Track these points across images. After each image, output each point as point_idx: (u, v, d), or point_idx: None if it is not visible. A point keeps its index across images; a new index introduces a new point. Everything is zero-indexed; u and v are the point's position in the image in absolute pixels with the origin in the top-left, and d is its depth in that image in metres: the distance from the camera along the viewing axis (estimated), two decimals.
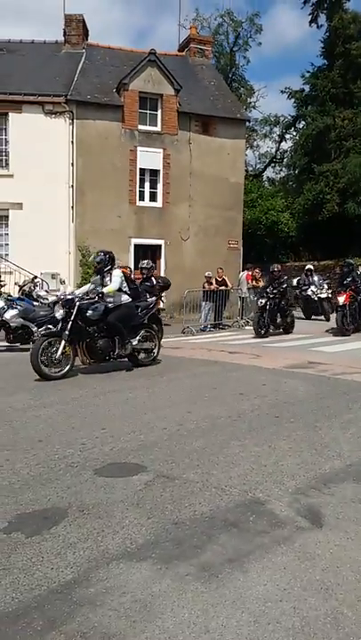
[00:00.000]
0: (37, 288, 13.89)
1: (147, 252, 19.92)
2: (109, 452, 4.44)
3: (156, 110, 19.96)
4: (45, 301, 12.57)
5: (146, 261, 12.93)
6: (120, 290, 8.51)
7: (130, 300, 8.70)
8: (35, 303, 12.09)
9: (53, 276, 17.77)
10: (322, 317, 17.00)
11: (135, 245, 19.56)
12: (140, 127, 19.63)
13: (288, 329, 14.09)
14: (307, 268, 18.87)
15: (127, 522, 3.20)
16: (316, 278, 17.98)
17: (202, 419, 5.49)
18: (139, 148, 19.54)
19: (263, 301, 13.42)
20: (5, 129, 18.92)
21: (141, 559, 2.80)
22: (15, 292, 13.45)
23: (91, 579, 2.63)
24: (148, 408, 5.95)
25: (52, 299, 13.02)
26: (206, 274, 17.20)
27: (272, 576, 2.66)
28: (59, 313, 7.87)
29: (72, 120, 18.90)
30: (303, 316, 17.60)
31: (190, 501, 3.49)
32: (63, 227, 18.87)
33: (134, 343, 8.57)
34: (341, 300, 13.06)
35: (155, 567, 2.72)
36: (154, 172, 19.97)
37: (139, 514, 3.31)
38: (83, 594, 2.51)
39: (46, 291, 14.79)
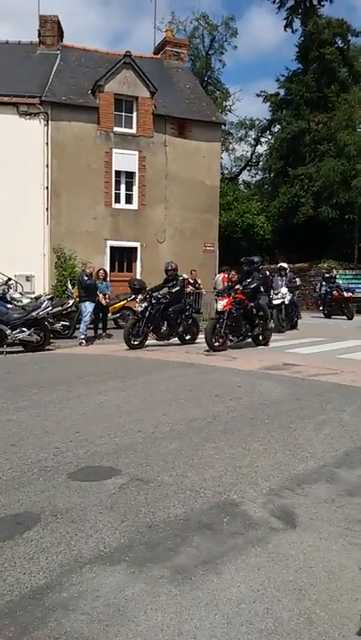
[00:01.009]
0: (11, 290, 13.75)
1: (123, 255, 19.87)
2: (83, 456, 4.41)
3: (132, 112, 19.93)
4: (19, 304, 12.45)
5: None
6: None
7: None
8: (8, 305, 11.96)
9: (28, 279, 17.60)
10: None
11: (111, 247, 19.47)
12: (116, 129, 19.57)
13: (259, 339, 11.96)
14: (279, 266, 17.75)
15: (101, 525, 3.18)
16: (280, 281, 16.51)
17: (177, 421, 5.49)
18: (114, 150, 19.47)
19: (221, 304, 11.16)
20: None
21: (115, 563, 2.78)
22: None
23: (63, 583, 2.60)
24: (123, 411, 5.93)
25: (26, 301, 12.91)
26: (182, 276, 17.19)
27: (246, 577, 2.67)
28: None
29: (47, 121, 18.75)
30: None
31: (165, 504, 3.49)
32: (38, 228, 18.69)
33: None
34: (221, 305, 11.13)
35: (128, 570, 2.71)
36: (129, 175, 19.92)
37: (112, 517, 3.29)
38: (55, 599, 2.48)
39: (20, 293, 14.65)
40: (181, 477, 3.95)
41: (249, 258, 12.30)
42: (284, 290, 15.55)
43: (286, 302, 15.39)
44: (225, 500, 3.58)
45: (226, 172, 37.62)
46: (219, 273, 19.28)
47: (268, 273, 13.93)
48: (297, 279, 17.82)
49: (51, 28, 21.61)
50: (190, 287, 16.96)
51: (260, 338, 11.94)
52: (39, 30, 21.66)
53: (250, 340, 11.81)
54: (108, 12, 63.52)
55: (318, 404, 6.27)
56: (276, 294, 15.10)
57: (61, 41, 22.11)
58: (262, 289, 11.98)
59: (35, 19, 22.05)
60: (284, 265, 17.29)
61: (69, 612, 2.38)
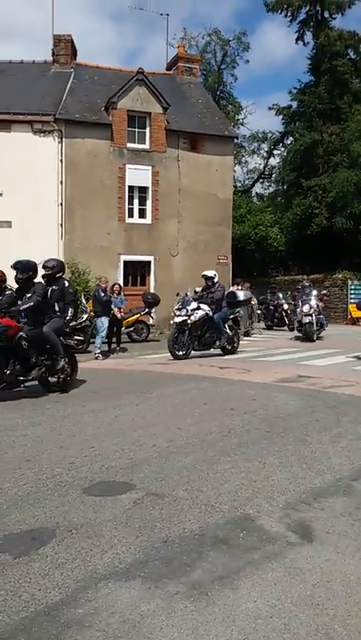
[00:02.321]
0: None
1: (136, 269, 19.96)
2: (98, 471, 4.41)
3: (145, 128, 20.12)
4: None
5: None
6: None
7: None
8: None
9: None
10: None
11: (125, 262, 19.59)
12: (129, 145, 19.76)
13: (227, 349, 12.59)
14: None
15: (116, 541, 3.17)
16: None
17: (192, 435, 5.47)
18: (127, 166, 19.64)
19: (181, 313, 11.91)
20: None
21: (130, 578, 2.77)
22: None
23: (79, 599, 2.59)
24: (138, 425, 5.92)
25: None
26: (196, 289, 17.22)
27: (262, 592, 2.64)
28: (181, 317, 11.79)
29: (61, 139, 18.99)
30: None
31: (180, 519, 3.47)
32: (52, 244, 18.85)
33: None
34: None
35: (144, 586, 2.70)
36: (143, 189, 20.07)
37: (128, 533, 3.28)
38: (70, 615, 2.47)
39: None
40: (197, 492, 3.93)
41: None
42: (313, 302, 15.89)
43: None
44: (241, 514, 3.56)
45: (239, 184, 37.76)
46: (232, 285, 19.28)
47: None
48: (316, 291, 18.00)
49: (64, 47, 21.96)
50: None
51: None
52: (53, 49, 22.02)
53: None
54: (122, 31, 64.51)
55: (334, 416, 6.22)
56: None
57: (75, 59, 22.46)
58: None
59: (49, 38, 22.41)
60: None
61: (85, 628, 2.37)
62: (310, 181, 28.84)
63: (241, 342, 13.47)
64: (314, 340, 15.22)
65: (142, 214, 20.12)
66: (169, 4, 50.54)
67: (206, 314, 12.03)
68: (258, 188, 41.38)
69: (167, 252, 20.14)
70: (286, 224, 31.16)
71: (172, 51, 28.04)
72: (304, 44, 32.58)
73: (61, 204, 18.98)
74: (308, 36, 31.86)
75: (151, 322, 17.65)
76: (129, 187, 19.70)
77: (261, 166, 39.67)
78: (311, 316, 15.50)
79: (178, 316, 11.90)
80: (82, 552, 3.04)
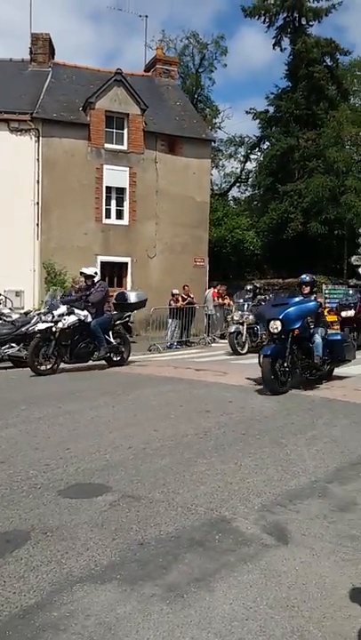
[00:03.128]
0: (0, 306, 13.70)
1: (113, 270, 19.91)
2: (74, 473, 4.37)
3: (123, 129, 20.10)
4: (9, 319, 12.38)
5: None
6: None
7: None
8: None
9: (17, 294, 17.56)
10: None
11: (102, 263, 19.52)
12: (107, 146, 19.72)
13: (113, 360, 10.86)
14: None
15: (92, 543, 3.15)
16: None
17: (168, 437, 5.46)
18: (105, 167, 19.60)
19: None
20: None
21: (106, 581, 2.75)
22: None
23: (54, 602, 2.57)
24: (114, 427, 5.89)
25: (15, 316, 12.86)
26: (173, 291, 17.27)
27: (238, 595, 2.64)
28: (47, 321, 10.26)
29: (38, 138, 18.87)
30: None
31: (156, 521, 3.46)
32: (28, 244, 18.71)
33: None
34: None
35: (120, 589, 2.68)
36: (120, 190, 20.04)
37: (103, 535, 3.26)
38: (46, 618, 2.45)
39: (10, 308, 14.58)
40: (173, 494, 3.92)
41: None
42: None
43: None
44: (217, 516, 3.56)
45: (216, 188, 37.89)
46: (209, 288, 19.35)
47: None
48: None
49: (42, 45, 21.83)
50: (181, 303, 17.03)
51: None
52: (31, 48, 21.87)
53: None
54: (100, 31, 64.26)
55: (309, 419, 6.27)
56: None
57: (53, 58, 22.33)
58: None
59: (26, 37, 22.26)
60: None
61: (60, 631, 2.35)
62: (286, 186, 29.10)
63: (217, 344, 13.47)
64: (240, 353, 13.12)
65: (120, 215, 20.09)
66: (148, 5, 50.74)
67: (79, 320, 10.22)
68: (234, 192, 41.68)
69: (144, 253, 20.14)
70: (262, 228, 31.40)
71: (151, 52, 28.07)
72: (281, 50, 32.96)
73: (37, 204, 18.85)
74: (286, 42, 32.24)
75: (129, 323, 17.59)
76: (106, 187, 19.67)
77: (238, 170, 39.97)
78: (242, 324, 13.37)
79: (43, 322, 10.12)
80: (57, 554, 3.02)
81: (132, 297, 12.24)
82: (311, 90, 30.31)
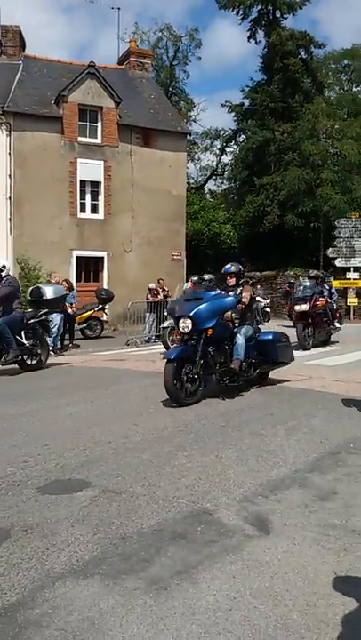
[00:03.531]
0: None
1: (89, 264, 19.78)
2: (53, 469, 4.33)
3: (97, 122, 19.92)
4: None
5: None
6: None
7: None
8: None
9: None
10: None
11: (77, 257, 19.38)
12: (80, 139, 19.53)
13: (26, 363, 9.75)
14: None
15: (73, 539, 3.12)
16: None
17: (148, 431, 5.45)
18: (79, 160, 19.42)
19: None
20: None
21: (88, 576, 2.73)
22: None
23: (36, 599, 2.53)
24: (93, 422, 5.86)
25: None
26: (150, 285, 17.21)
27: (221, 585, 2.64)
28: None
29: (9, 131, 18.60)
30: None
31: (137, 515, 3.44)
32: (1, 239, 18.49)
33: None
34: None
35: (102, 583, 2.66)
36: (95, 184, 19.88)
37: (85, 530, 3.23)
38: (28, 615, 2.41)
39: None
40: (154, 487, 3.91)
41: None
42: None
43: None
44: (198, 508, 3.56)
45: (192, 181, 37.85)
46: (186, 281, 19.32)
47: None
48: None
49: (12, 38, 21.53)
50: (159, 296, 16.98)
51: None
52: (0, 40, 21.52)
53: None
54: (73, 24, 63.57)
55: (289, 409, 6.31)
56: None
57: (23, 51, 22.03)
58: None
59: None
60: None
61: (43, 628, 2.32)
62: (262, 179, 29.16)
63: None
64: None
65: (95, 209, 19.95)
66: None
67: None
68: (211, 185, 41.66)
69: (121, 247, 20.04)
70: (239, 221, 31.46)
71: (124, 45, 27.92)
72: (256, 43, 32.92)
73: (10, 198, 18.61)
74: (260, 35, 32.19)
75: (105, 318, 17.53)
76: (81, 181, 19.50)
77: (214, 163, 39.95)
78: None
79: None
80: (38, 551, 2.98)
81: (49, 292, 11.20)
82: (286, 82, 30.37)
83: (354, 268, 23.88)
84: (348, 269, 23.99)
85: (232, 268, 7.89)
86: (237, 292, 7.52)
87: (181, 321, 6.72)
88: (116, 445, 4.95)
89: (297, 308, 12.37)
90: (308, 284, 12.95)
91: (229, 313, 7.19)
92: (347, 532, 3.22)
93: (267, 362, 7.70)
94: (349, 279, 23.80)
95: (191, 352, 6.65)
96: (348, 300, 23.34)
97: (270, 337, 7.77)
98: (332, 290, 14.08)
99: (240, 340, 7.12)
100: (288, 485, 3.95)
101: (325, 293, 13.20)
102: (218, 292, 7.31)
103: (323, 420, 5.85)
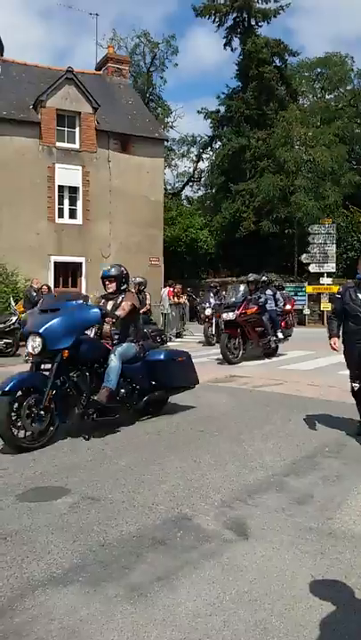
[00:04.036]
0: None
1: (67, 270, 19.68)
2: (31, 477, 4.31)
3: (75, 128, 19.88)
4: None
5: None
6: None
7: None
8: None
9: None
10: None
11: (55, 263, 19.28)
12: (59, 144, 19.47)
13: None
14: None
15: (52, 547, 3.12)
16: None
17: (126, 437, 5.45)
18: (57, 165, 19.34)
19: None
20: None
21: (68, 583, 2.73)
22: None
23: (16, 608, 2.53)
24: (71, 429, 5.83)
25: None
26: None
27: (201, 591, 2.67)
28: None
29: None
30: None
31: (117, 522, 3.45)
32: None
33: None
34: None
35: (82, 591, 2.66)
36: (73, 190, 19.82)
37: (64, 538, 3.23)
38: (7, 624, 2.41)
39: None
40: (133, 494, 3.92)
41: None
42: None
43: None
44: (177, 514, 3.58)
45: (169, 187, 37.93)
46: (164, 287, 19.36)
47: None
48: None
49: None
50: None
51: None
52: None
53: None
54: (51, 29, 63.24)
55: (265, 414, 6.37)
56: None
57: (2, 55, 21.87)
58: None
59: None
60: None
61: (23, 637, 2.32)
62: (238, 186, 29.36)
63: (172, 343, 13.50)
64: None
65: (73, 215, 19.88)
66: (98, 4, 50.13)
67: None
68: (188, 192, 41.79)
69: (99, 252, 19.98)
70: (216, 227, 31.61)
71: (102, 51, 27.85)
72: (232, 50, 33.17)
73: None
74: (236, 43, 32.43)
75: None
76: (59, 186, 19.42)
77: (191, 170, 40.09)
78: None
79: None
80: (17, 559, 2.97)
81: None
82: (261, 90, 30.65)
83: (327, 273, 24.16)
84: (321, 275, 24.26)
85: (112, 270, 6.44)
86: (118, 301, 6.18)
87: (30, 339, 5.36)
88: (95, 452, 4.95)
89: (223, 316, 11.32)
90: (241, 287, 11.83)
91: (108, 327, 6.02)
92: (323, 535, 3.27)
93: (159, 387, 6.34)
94: (323, 284, 24.07)
95: (39, 380, 5.28)
96: (322, 306, 23.61)
97: (162, 356, 6.39)
98: (278, 296, 12.48)
99: (113, 362, 5.70)
100: (266, 490, 3.99)
101: (263, 300, 11.60)
102: (81, 301, 6.00)
103: (298, 423, 5.93)
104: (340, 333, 5.57)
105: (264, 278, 12.70)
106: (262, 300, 11.61)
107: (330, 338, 5.58)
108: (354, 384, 5.44)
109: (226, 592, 2.66)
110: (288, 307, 13.10)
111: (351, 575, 2.81)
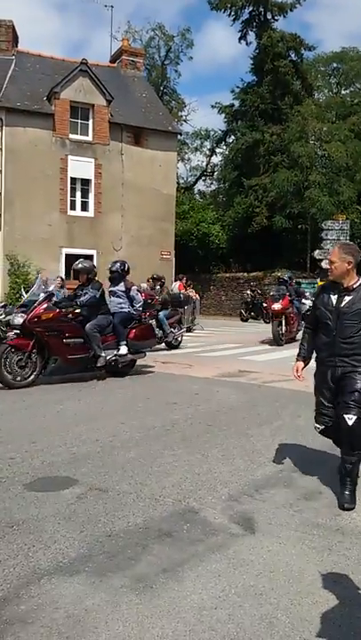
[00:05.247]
0: None
1: None
2: (40, 466, 4.32)
3: (88, 120, 19.87)
4: None
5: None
6: None
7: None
8: None
9: None
10: None
11: (66, 255, 19.30)
12: (72, 136, 19.47)
13: None
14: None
15: (59, 536, 3.12)
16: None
17: (135, 429, 5.46)
18: (70, 157, 19.35)
19: None
20: None
21: (74, 573, 2.73)
22: None
23: (22, 596, 2.54)
24: (80, 420, 5.85)
25: None
26: (142, 285, 17.12)
27: (207, 584, 2.66)
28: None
29: (1, 127, 18.49)
30: None
31: (124, 513, 3.45)
32: None
33: None
34: None
35: (88, 581, 2.67)
36: (85, 182, 19.83)
37: (71, 527, 3.23)
38: (13, 612, 2.41)
39: None
40: (140, 485, 3.92)
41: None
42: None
43: None
44: (184, 507, 3.57)
45: (182, 181, 37.87)
46: (175, 281, 19.34)
47: None
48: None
49: (5, 32, 21.38)
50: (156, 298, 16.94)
51: None
52: None
53: None
54: (67, 21, 63.23)
55: (274, 410, 6.34)
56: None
57: (16, 46, 21.89)
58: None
59: None
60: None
61: (28, 625, 2.32)
62: (251, 180, 29.24)
63: (183, 338, 13.50)
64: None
65: (85, 207, 19.89)
66: None
67: None
68: (200, 186, 41.71)
69: (110, 245, 20.00)
70: (228, 222, 31.51)
71: (117, 44, 27.84)
72: (247, 44, 33.00)
73: (0, 194, 18.49)
74: (252, 37, 32.28)
75: None
76: (71, 178, 19.44)
77: (204, 164, 40.00)
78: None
79: None
80: (24, 548, 2.98)
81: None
82: (276, 84, 30.47)
83: None
84: None
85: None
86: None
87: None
88: (103, 443, 4.95)
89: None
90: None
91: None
92: (331, 531, 3.26)
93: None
94: None
95: None
96: None
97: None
98: (132, 293, 9.01)
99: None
100: (273, 485, 3.98)
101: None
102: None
103: (308, 419, 5.86)
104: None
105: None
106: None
107: (296, 361, 4.29)
108: (317, 425, 4.06)
109: (232, 586, 2.65)
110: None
111: (358, 572, 2.79)
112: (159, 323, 12.17)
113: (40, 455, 4.59)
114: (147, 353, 9.42)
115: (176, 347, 12.89)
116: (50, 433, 5.29)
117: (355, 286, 3.83)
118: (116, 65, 23.78)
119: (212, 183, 40.86)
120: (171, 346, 12.73)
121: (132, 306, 8.87)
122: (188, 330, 17.58)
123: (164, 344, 12.59)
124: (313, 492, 3.86)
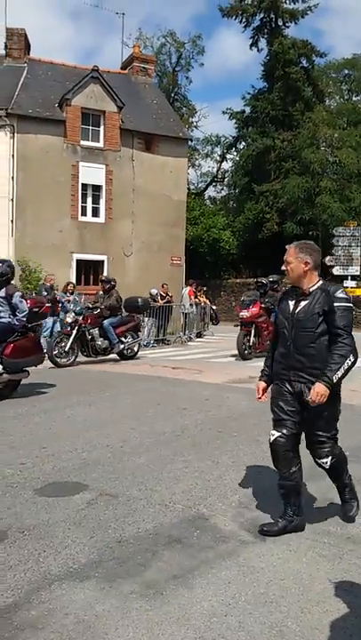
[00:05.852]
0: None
1: (89, 268, 19.78)
2: (50, 472, 4.34)
3: (99, 126, 19.97)
4: None
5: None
6: None
7: None
8: None
9: None
10: None
11: (77, 261, 19.39)
12: (83, 143, 19.57)
13: None
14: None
15: (69, 542, 3.13)
16: None
17: (145, 435, 5.46)
18: (81, 164, 19.45)
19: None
20: None
21: (84, 579, 2.74)
22: None
23: (32, 601, 2.55)
24: (91, 425, 5.87)
25: None
26: (152, 291, 17.18)
27: (217, 591, 2.66)
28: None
29: (13, 134, 18.63)
30: None
31: (134, 519, 3.46)
32: (3, 241, 18.48)
33: None
34: None
35: (98, 587, 2.67)
36: (96, 188, 19.91)
37: (81, 533, 3.24)
38: (24, 617, 2.42)
39: None
40: (150, 492, 3.92)
41: None
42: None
43: None
44: (195, 513, 3.57)
45: (192, 187, 37.94)
46: (185, 287, 19.37)
47: None
48: None
49: (17, 40, 21.52)
50: (159, 302, 17.01)
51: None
52: (6, 43, 21.55)
53: None
54: (79, 29, 63.72)
55: None
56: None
57: (28, 54, 22.06)
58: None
59: (1, 32, 21.94)
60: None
61: (39, 630, 2.33)
62: (262, 186, 29.24)
63: (193, 343, 13.47)
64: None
65: (96, 213, 19.96)
66: (127, 4, 50.48)
67: None
68: (211, 192, 41.74)
69: (121, 251, 20.05)
70: (238, 228, 31.51)
71: (128, 50, 27.97)
72: (258, 51, 33.02)
73: (12, 200, 18.61)
74: (263, 43, 32.29)
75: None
76: (82, 184, 19.52)
77: (214, 170, 40.06)
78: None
79: None
80: (34, 553, 2.99)
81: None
82: (287, 91, 30.49)
83: (351, 276, 23.90)
84: (345, 277, 24.03)
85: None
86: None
87: None
88: (114, 449, 4.96)
89: None
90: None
91: None
92: (341, 539, 3.24)
93: None
94: (347, 287, 23.83)
95: None
96: None
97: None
98: (15, 300, 8.48)
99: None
100: None
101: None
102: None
103: None
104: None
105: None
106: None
107: (259, 379, 3.84)
108: (273, 431, 3.65)
109: (242, 593, 2.65)
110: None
111: None
112: (103, 331, 11.19)
113: (51, 460, 4.61)
114: (158, 358, 9.37)
115: (131, 357, 11.84)
116: (60, 438, 5.31)
117: (311, 290, 3.37)
118: (127, 72, 23.90)
119: (222, 189, 40.96)
120: (123, 356, 11.64)
121: (15, 315, 7.50)
122: (199, 335, 17.59)
123: (116, 354, 11.49)
124: (324, 500, 3.85)
